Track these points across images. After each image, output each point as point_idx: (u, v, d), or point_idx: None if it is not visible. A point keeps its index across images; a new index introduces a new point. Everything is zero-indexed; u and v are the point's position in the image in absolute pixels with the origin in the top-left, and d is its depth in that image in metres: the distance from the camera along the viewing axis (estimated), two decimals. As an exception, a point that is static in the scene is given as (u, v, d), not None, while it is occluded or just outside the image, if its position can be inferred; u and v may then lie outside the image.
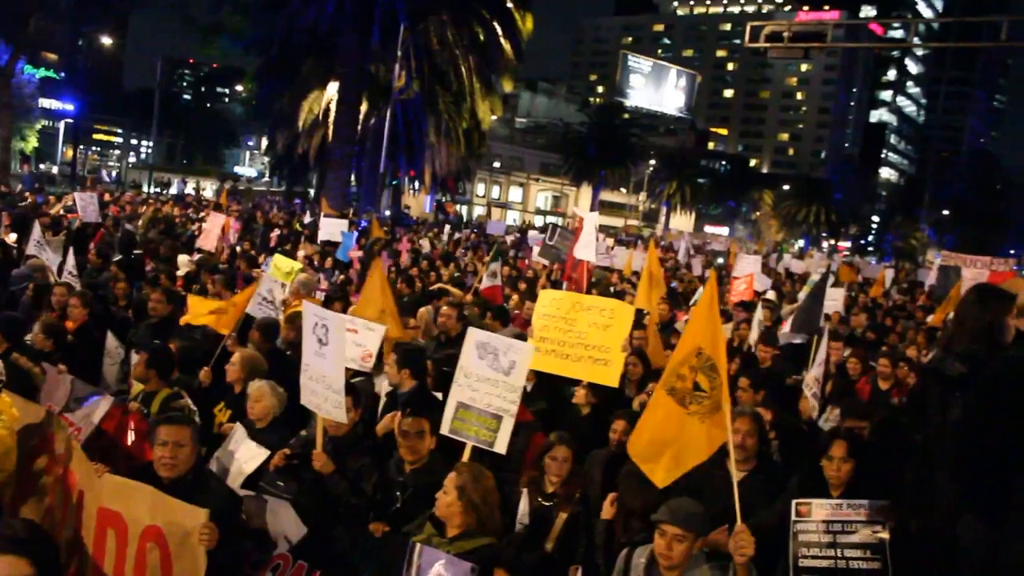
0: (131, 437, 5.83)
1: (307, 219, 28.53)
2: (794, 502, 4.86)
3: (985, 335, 4.36)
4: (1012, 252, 78.47)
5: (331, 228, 19.26)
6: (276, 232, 21.82)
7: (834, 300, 14.65)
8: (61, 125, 70.98)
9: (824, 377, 8.16)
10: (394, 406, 6.49)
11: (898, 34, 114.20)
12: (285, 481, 5.32)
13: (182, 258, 13.63)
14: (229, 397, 6.85)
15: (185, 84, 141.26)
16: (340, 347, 5.25)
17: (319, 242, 18.88)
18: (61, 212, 20.10)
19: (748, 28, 26.09)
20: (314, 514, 4.82)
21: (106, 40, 56.70)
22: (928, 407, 4.60)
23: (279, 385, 6.24)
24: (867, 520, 4.69)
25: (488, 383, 5.36)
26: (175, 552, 4.23)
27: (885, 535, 4.63)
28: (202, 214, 24.08)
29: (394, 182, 50.20)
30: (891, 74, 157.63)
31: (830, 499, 4.91)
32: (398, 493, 5.30)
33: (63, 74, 70.82)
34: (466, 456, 5.25)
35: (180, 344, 7.72)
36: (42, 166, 68.46)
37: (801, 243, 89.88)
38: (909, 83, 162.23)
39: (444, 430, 5.42)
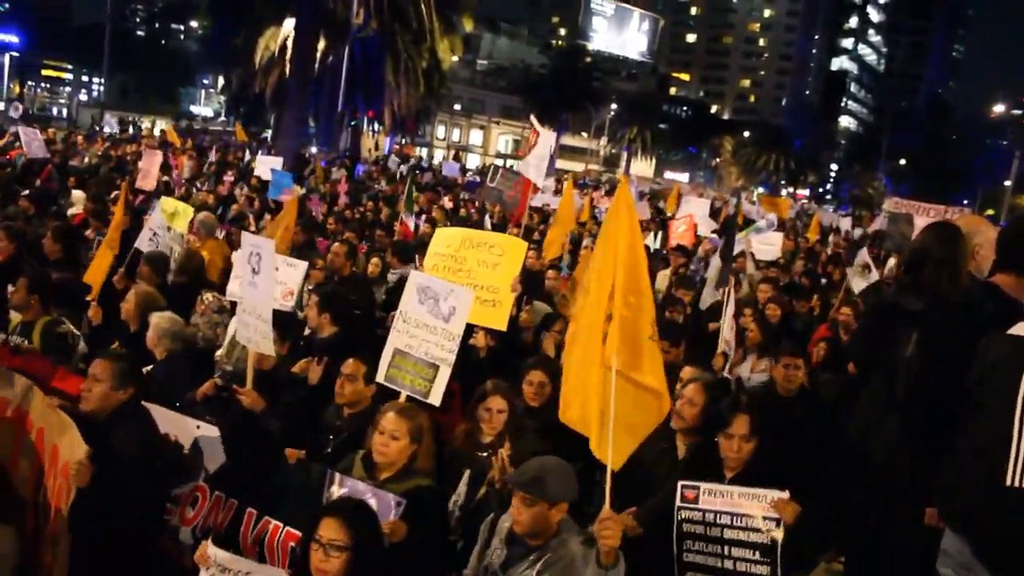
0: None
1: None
2: (680, 484, 4.21)
3: (942, 269, 4.35)
4: (965, 203, 79.59)
5: (264, 166, 17.79)
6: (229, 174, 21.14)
7: (772, 245, 14.38)
8: (6, 59, 68.74)
9: (737, 331, 7.65)
10: (310, 350, 6.32)
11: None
12: (213, 414, 5.14)
13: (76, 194, 12.82)
14: (124, 336, 6.54)
15: (138, 20, 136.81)
16: (270, 275, 5.12)
17: (252, 180, 17.88)
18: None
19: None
20: (241, 448, 4.70)
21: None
22: (881, 343, 4.55)
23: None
24: (760, 514, 4.07)
25: (427, 330, 5.09)
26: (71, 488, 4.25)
27: (779, 534, 4.04)
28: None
29: (352, 123, 49.44)
30: (853, 21, 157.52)
31: (722, 483, 4.26)
32: (331, 437, 5.16)
33: (7, 5, 68.36)
34: None
35: (59, 277, 7.26)
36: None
37: (761, 190, 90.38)
38: (870, 31, 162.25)
39: (380, 377, 5.19)
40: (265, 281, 5.09)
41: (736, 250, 13.12)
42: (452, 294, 5.08)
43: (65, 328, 6.25)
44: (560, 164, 73.87)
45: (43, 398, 4.76)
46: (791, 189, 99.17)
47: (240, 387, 5.17)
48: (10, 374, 4.99)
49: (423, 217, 14.83)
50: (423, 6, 41.44)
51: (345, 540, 3.45)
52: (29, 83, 78.46)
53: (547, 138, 9.96)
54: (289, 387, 5.83)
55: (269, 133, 49.78)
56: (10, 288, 6.52)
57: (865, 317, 6.54)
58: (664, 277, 11.90)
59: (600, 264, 3.92)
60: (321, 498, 4.20)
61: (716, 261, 8.73)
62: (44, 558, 4.37)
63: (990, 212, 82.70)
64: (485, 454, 4.98)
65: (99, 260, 7.48)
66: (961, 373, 3.82)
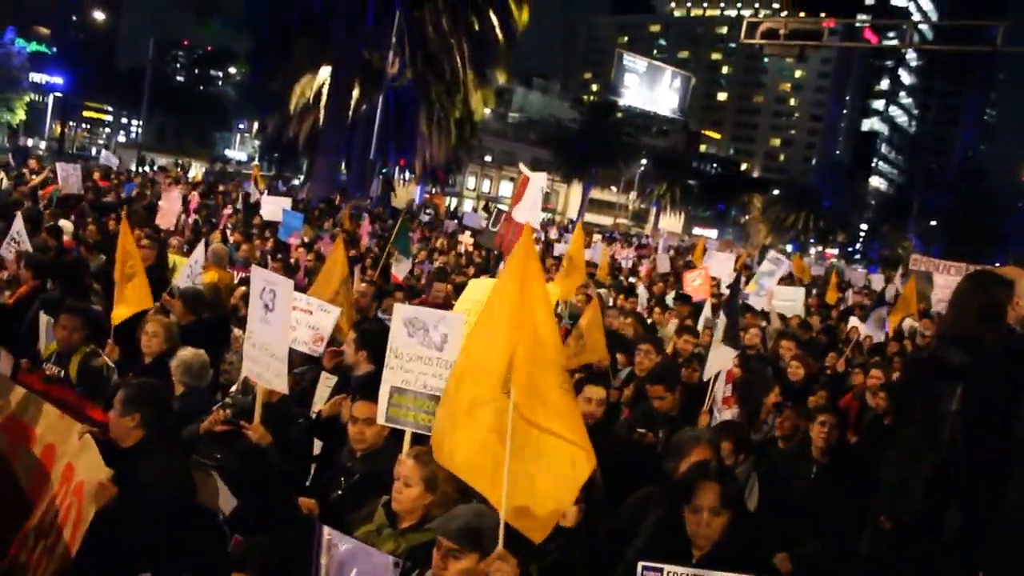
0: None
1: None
2: (640, 565, 3.53)
3: (982, 319, 4.22)
4: (996, 265, 78.71)
5: (273, 206, 17.72)
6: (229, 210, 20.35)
7: (792, 300, 13.91)
8: (50, 99, 70.33)
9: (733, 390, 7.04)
10: (346, 389, 6.16)
11: (893, 43, 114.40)
12: (219, 451, 5.03)
13: (65, 224, 12.58)
14: (137, 368, 6.39)
15: (178, 66, 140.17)
16: (286, 314, 5.01)
17: (259, 221, 17.58)
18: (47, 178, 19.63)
19: (744, 24, 26.00)
20: (247, 484, 4.59)
21: (99, 15, 56.33)
22: (918, 398, 4.43)
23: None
24: None
25: (420, 362, 4.89)
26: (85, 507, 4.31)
27: None
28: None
29: (383, 171, 49.97)
30: (884, 84, 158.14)
31: (688, 566, 3.58)
32: (342, 479, 4.96)
33: (54, 49, 70.25)
34: (406, 444, 4.78)
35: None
36: (29, 141, 67.83)
37: (789, 248, 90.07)
38: (902, 93, 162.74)
39: (380, 420, 4.98)
40: (280, 319, 4.99)
41: (758, 307, 12.91)
42: (442, 321, 4.93)
43: (101, 361, 6.25)
44: (589, 218, 74.17)
45: (58, 415, 4.79)
46: (820, 248, 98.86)
47: (247, 422, 5.09)
48: (8, 383, 5.07)
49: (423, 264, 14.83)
50: (458, 58, 41.96)
51: None
52: (70, 123, 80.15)
53: (538, 179, 9.68)
54: (288, 421, 5.68)
55: (301, 178, 50.48)
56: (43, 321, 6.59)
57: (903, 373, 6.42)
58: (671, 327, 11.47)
59: (498, 315, 3.53)
60: (316, 555, 3.90)
61: (721, 318, 8.18)
62: (29, 560, 4.39)
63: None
64: None
65: (139, 290, 7.22)
66: (1010, 425, 3.71)
